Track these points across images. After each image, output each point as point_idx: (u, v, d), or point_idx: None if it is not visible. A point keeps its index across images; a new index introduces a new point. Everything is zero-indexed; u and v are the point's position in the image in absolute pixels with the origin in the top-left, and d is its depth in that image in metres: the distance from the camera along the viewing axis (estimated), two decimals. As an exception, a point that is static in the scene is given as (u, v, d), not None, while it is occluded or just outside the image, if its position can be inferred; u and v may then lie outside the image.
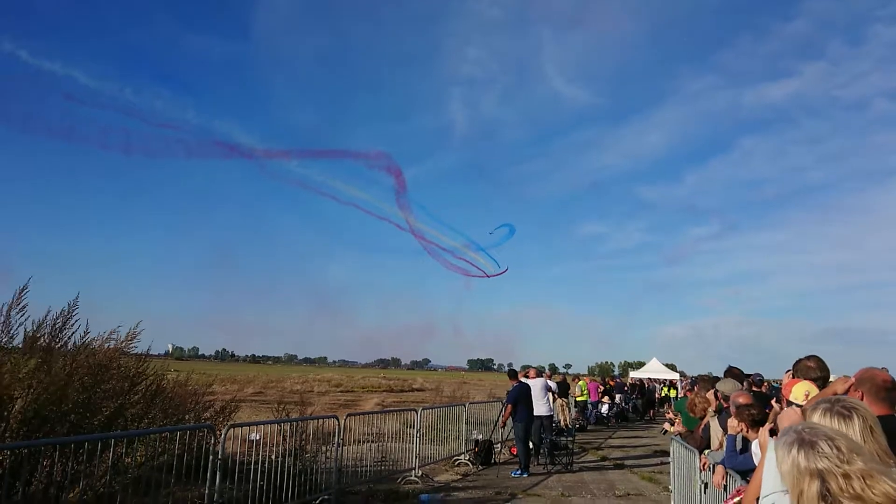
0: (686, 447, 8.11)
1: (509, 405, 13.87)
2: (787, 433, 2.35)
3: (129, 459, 7.03)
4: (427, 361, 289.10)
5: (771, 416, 4.67)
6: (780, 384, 7.54)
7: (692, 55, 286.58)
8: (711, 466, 6.39)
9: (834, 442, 2.19)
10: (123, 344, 8.82)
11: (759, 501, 2.78)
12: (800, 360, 4.71)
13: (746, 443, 5.46)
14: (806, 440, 2.24)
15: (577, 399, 25.14)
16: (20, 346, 7.54)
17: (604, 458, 16.06)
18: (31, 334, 7.67)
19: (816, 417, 2.53)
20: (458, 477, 12.69)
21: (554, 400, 17.67)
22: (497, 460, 14.74)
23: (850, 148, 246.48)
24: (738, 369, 8.49)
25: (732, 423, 5.54)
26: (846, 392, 3.61)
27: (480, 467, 13.84)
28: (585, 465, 14.83)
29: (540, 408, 14.95)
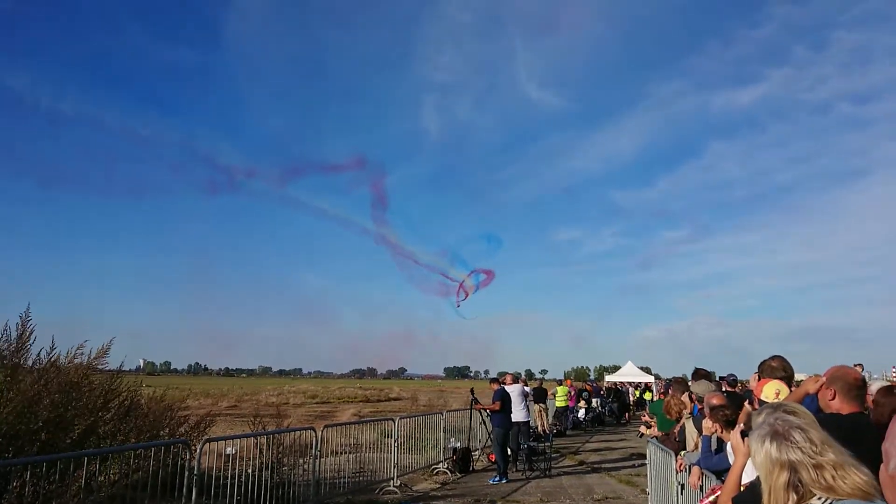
0: (662, 449, 8.20)
1: (497, 402, 13.91)
2: (761, 426, 2.40)
3: (103, 478, 6.91)
4: (403, 370, 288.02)
5: (742, 417, 4.74)
6: (748, 385, 7.67)
7: (661, 60, 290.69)
8: (687, 467, 6.47)
9: (807, 434, 2.25)
10: (95, 360, 8.69)
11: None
12: (764, 360, 4.78)
13: (721, 443, 5.54)
14: (779, 432, 2.29)
15: (558, 405, 25.20)
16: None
17: (581, 463, 16.14)
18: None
19: (761, 418, 2.58)
20: (437, 485, 12.67)
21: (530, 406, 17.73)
22: (475, 467, 14.74)
23: (815, 150, 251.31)
24: (705, 370, 8.62)
25: (707, 424, 5.61)
26: (817, 391, 3.68)
27: (459, 475, 13.82)
28: (563, 469, 14.89)
29: (518, 413, 15.02)
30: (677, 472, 7.05)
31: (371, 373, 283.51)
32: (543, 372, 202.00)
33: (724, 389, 7.84)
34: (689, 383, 8.61)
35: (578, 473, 14.43)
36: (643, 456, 11.15)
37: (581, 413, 27.39)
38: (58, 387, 7.64)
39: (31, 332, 7.80)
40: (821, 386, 3.67)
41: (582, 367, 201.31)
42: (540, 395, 23.18)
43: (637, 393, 42.17)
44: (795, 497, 2.20)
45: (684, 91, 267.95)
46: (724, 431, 5.39)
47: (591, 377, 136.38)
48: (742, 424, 3.53)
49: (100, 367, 8.84)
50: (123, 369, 9.73)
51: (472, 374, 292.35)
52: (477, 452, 15.69)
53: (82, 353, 8.56)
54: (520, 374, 16.53)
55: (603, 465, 15.51)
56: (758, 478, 2.49)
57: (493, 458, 14.49)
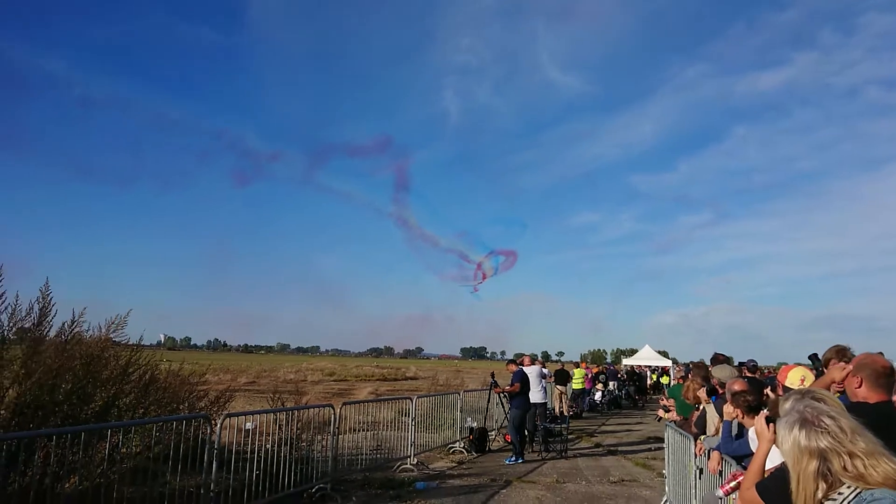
0: (681, 433, 8.16)
1: (517, 383, 13.94)
2: (790, 413, 2.36)
3: (126, 449, 7.01)
4: (420, 350, 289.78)
5: (771, 404, 4.68)
6: (773, 372, 7.59)
7: (685, 44, 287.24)
8: (707, 452, 6.43)
9: (837, 421, 2.21)
10: (112, 332, 8.77)
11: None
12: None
13: (742, 429, 5.50)
14: (808, 419, 2.25)
15: (574, 387, 25.19)
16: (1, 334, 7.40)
17: (597, 445, 16.16)
18: (14, 322, 7.56)
19: (788, 405, 2.54)
20: (454, 464, 12.74)
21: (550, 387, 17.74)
22: (491, 447, 14.81)
23: (840, 136, 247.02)
24: (724, 356, 8.56)
25: (728, 409, 5.57)
26: (843, 379, 3.62)
27: (475, 454, 13.90)
28: (579, 451, 14.91)
29: (535, 395, 15.04)
30: (696, 457, 7.01)
31: (388, 352, 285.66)
32: (560, 354, 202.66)
33: (744, 375, 7.78)
34: (709, 368, 8.56)
35: (595, 455, 14.45)
36: (660, 439, 11.12)
37: (598, 395, 27.40)
38: (79, 358, 7.73)
39: (52, 306, 7.87)
40: (847, 374, 3.62)
41: (599, 349, 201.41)
42: (561, 378, 23.21)
43: (654, 377, 42.10)
44: (824, 485, 2.16)
45: (707, 75, 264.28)
46: (746, 417, 5.35)
47: (608, 360, 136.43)
48: (767, 410, 3.49)
49: (118, 339, 8.92)
50: (143, 343, 9.84)
51: (488, 355, 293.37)
52: (493, 433, 15.74)
53: (104, 327, 8.65)
54: (536, 355, 16.52)
55: (619, 448, 15.52)
56: (783, 464, 2.45)
57: (508, 438, 14.54)
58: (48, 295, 7.85)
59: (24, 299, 7.60)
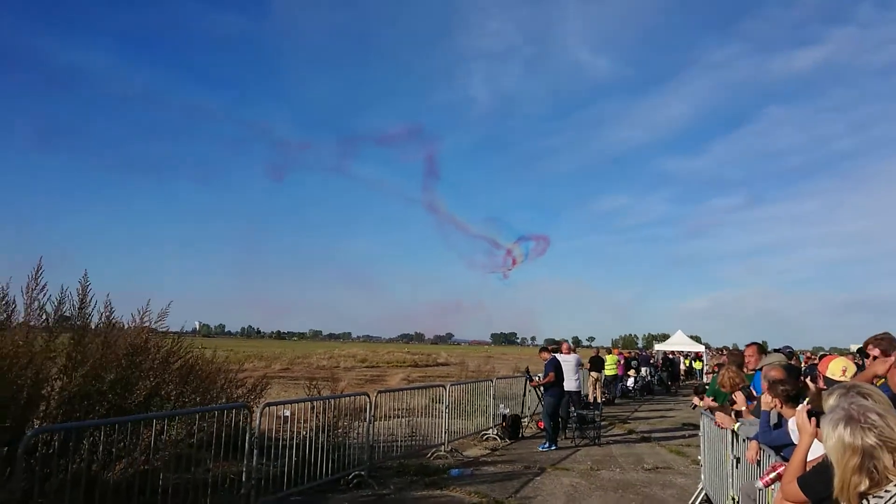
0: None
1: (551, 373, 13.92)
2: (835, 410, 2.35)
3: (168, 437, 7.19)
4: (450, 336, 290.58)
5: (812, 397, 4.62)
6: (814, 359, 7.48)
7: (717, 22, 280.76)
8: (744, 440, 6.39)
9: (885, 419, 2.20)
10: (156, 323, 8.97)
11: None
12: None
13: (780, 418, 5.45)
14: (854, 417, 2.25)
15: (606, 373, 25.00)
16: (44, 324, 7.56)
17: (630, 432, 16.12)
18: (58, 313, 7.74)
19: (833, 400, 2.52)
20: (487, 451, 12.82)
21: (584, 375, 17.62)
22: (524, 434, 14.86)
23: (878, 115, 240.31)
24: (759, 343, 8.44)
25: (766, 398, 5.52)
26: (886, 372, 3.58)
27: (508, 441, 13.96)
28: (613, 438, 14.89)
29: (570, 383, 14.97)
30: (733, 446, 6.97)
31: (418, 338, 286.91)
32: (591, 339, 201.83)
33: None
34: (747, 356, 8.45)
35: (628, 442, 14.43)
36: (694, 426, 11.06)
37: (630, 382, 27.25)
38: (123, 348, 7.93)
39: (91, 297, 8.06)
40: (890, 367, 3.57)
41: (630, 335, 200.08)
42: (596, 365, 23.13)
43: (687, 362, 41.67)
44: (869, 482, 2.16)
45: (741, 54, 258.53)
46: (785, 407, 5.29)
47: (640, 345, 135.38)
48: (809, 403, 3.46)
49: (160, 329, 9.13)
50: (182, 332, 10.04)
51: (518, 341, 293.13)
52: (526, 420, 15.79)
53: (143, 317, 8.83)
54: (566, 340, 16.46)
55: (653, 435, 15.47)
56: (825, 459, 2.45)
57: (541, 425, 14.56)
58: (87, 286, 8.05)
59: (57, 289, 7.78)
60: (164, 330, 9.21)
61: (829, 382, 4.20)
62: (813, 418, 3.13)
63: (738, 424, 6.92)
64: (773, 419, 5.58)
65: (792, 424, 4.76)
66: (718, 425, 7.56)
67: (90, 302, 8.06)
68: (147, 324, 8.73)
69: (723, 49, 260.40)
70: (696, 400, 9.37)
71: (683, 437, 14.92)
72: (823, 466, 2.55)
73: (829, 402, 2.52)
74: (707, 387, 9.51)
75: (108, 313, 8.29)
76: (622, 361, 27.02)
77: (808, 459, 3.19)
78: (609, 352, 27.75)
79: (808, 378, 5.57)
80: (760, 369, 6.77)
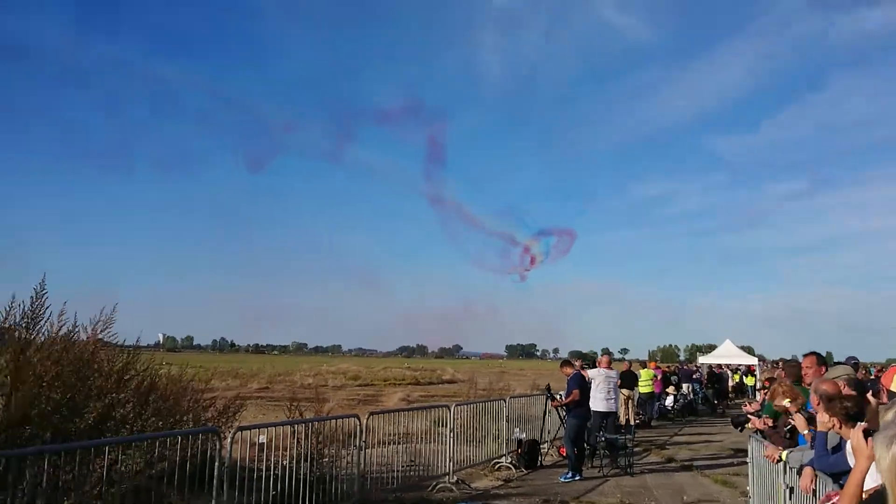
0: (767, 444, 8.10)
1: (575, 390, 13.91)
2: (889, 426, 2.37)
3: (124, 467, 7.23)
4: (458, 348, 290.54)
5: (869, 416, 4.62)
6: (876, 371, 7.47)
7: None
8: (797, 468, 6.40)
9: None
10: (102, 332, 8.97)
11: None
12: None
13: (840, 441, 5.44)
14: None
15: (641, 391, 24.84)
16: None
17: (669, 459, 16.14)
18: (2, 325, 7.80)
19: (890, 416, 2.54)
20: (499, 482, 12.86)
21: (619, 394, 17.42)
22: (543, 462, 14.89)
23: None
24: (817, 354, 8.43)
25: (823, 418, 5.50)
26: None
27: (525, 471, 13.99)
28: (648, 467, 14.93)
29: (599, 403, 14.89)
30: (785, 474, 6.99)
31: (420, 351, 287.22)
32: (624, 351, 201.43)
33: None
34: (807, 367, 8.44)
35: (666, 472, 14.45)
36: (744, 451, 11.07)
37: (669, 400, 27.18)
38: (69, 363, 7.95)
39: (46, 307, 8.08)
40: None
41: (670, 345, 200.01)
42: (628, 381, 22.78)
43: (737, 377, 41.42)
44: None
45: (801, 12, 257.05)
46: (844, 427, 5.27)
47: (681, 358, 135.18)
48: (866, 422, 3.47)
49: (110, 340, 9.13)
50: (140, 344, 10.06)
51: (538, 354, 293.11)
52: (546, 445, 15.81)
53: (96, 327, 8.87)
54: (595, 353, 16.32)
55: (695, 463, 15.48)
56: (883, 486, 2.46)
57: (563, 451, 14.58)
58: (43, 295, 8.08)
59: (7, 296, 7.84)
60: (118, 342, 9.25)
61: (894, 397, 4.21)
62: (870, 439, 3.14)
63: (786, 452, 6.93)
64: (832, 442, 5.57)
65: (850, 447, 4.77)
66: (767, 457, 7.56)
67: (44, 313, 8.10)
68: (93, 334, 8.76)
69: (781, 5, 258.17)
70: (746, 407, 9.38)
71: (731, 464, 14.92)
72: (882, 495, 2.56)
73: (886, 417, 2.54)
74: (762, 406, 9.52)
75: (59, 325, 8.33)
76: (659, 377, 26.92)
77: (867, 487, 3.20)
78: (644, 365, 27.69)
79: (871, 393, 5.57)
80: None
